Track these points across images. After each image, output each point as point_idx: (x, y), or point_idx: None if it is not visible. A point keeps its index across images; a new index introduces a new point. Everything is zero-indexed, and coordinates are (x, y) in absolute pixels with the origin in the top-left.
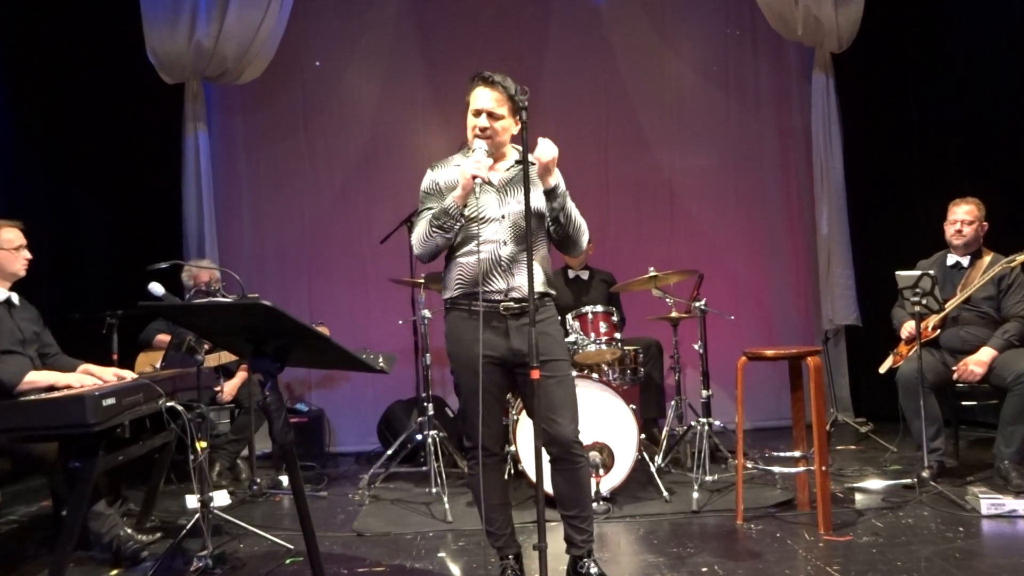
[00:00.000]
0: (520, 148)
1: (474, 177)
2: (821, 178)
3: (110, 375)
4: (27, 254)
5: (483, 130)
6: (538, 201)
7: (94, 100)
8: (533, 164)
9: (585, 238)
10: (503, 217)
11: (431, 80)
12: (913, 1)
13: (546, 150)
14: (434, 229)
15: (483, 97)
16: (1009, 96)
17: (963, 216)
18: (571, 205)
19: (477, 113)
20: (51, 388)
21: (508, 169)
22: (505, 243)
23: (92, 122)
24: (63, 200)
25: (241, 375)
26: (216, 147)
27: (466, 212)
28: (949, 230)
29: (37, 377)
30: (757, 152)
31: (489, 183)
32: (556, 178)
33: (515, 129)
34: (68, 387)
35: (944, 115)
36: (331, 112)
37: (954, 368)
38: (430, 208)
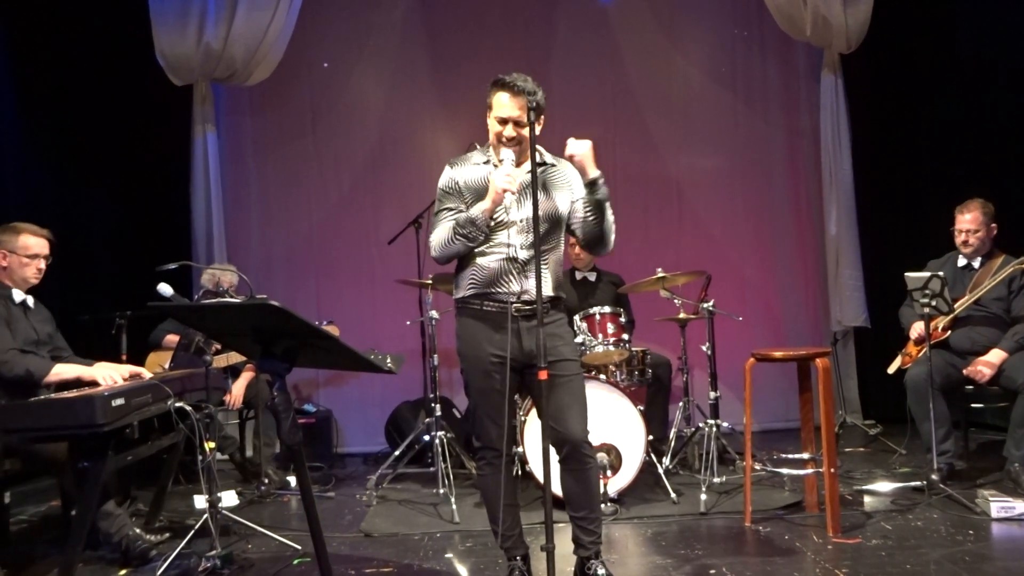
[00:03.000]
0: (540, 149)
1: (504, 190)
2: (830, 179)
3: (127, 372)
4: (42, 264)
5: (511, 139)
6: (550, 206)
7: (103, 102)
8: (543, 167)
9: (613, 236)
10: (521, 221)
11: (438, 81)
12: (922, 1)
13: (578, 147)
14: (458, 236)
15: (508, 105)
16: (1019, 96)
17: (967, 225)
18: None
19: (503, 121)
20: (78, 381)
21: (528, 172)
22: (521, 246)
23: (101, 124)
24: (72, 201)
25: (246, 376)
26: (225, 148)
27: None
28: (956, 238)
29: (63, 370)
30: (765, 153)
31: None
32: (596, 171)
33: (537, 130)
34: (93, 381)
35: (954, 115)
36: (339, 113)
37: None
38: (449, 208)
